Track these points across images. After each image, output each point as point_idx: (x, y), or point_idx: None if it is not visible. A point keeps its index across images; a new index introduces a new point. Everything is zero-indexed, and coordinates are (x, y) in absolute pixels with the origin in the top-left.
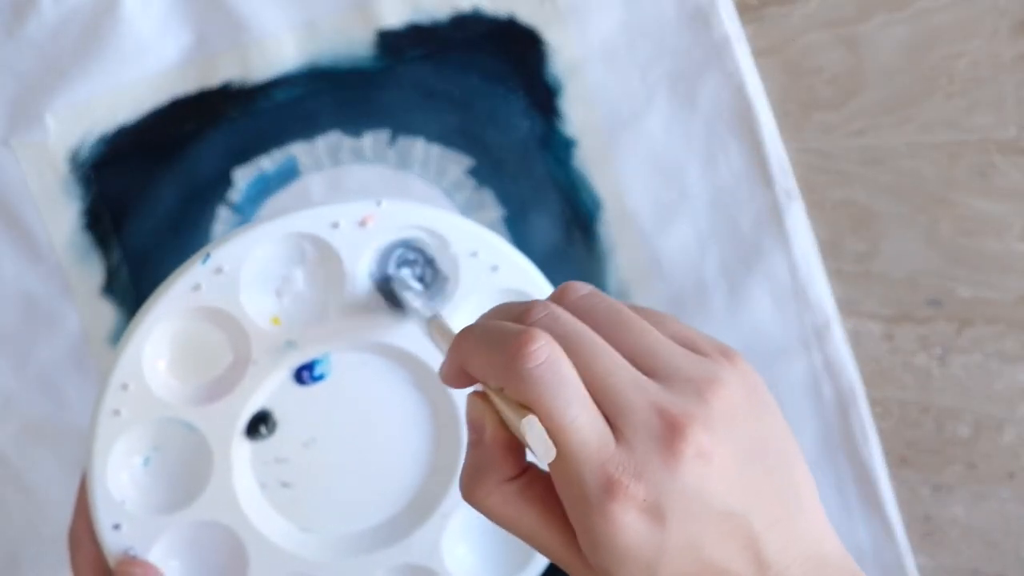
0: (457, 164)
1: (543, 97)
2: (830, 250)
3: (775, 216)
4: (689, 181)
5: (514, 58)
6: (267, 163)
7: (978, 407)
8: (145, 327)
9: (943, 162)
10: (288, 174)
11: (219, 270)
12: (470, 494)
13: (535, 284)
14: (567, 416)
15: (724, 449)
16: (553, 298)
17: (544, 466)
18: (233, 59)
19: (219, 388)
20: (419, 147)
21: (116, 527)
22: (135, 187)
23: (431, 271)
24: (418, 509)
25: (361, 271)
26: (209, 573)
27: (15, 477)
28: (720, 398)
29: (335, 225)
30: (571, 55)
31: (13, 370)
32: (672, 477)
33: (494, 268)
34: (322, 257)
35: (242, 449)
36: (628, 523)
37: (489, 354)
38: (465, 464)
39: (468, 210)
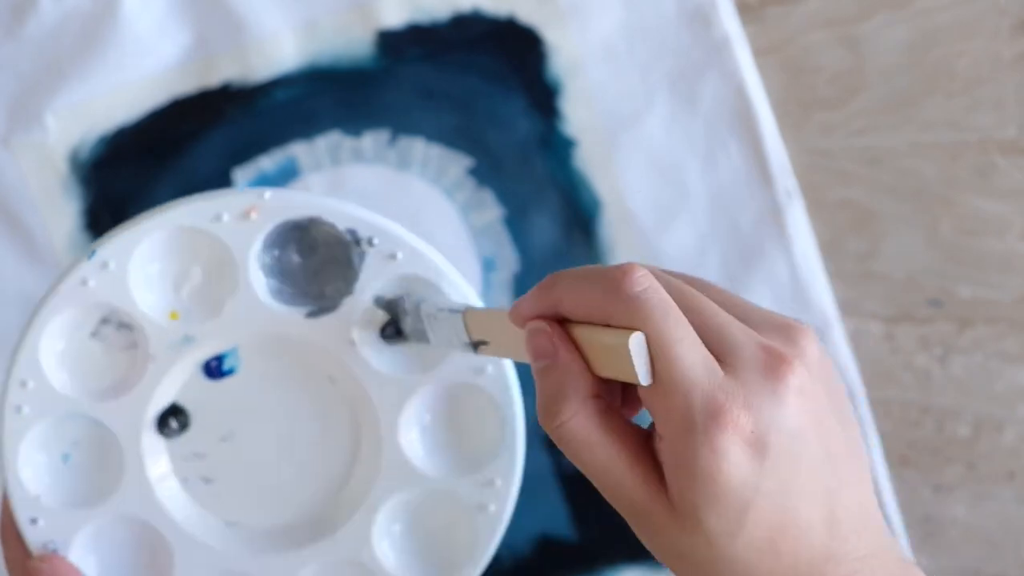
0: (457, 164)
1: (543, 97)
2: (830, 250)
3: (775, 216)
4: (689, 181)
5: (514, 58)
6: (267, 163)
7: (978, 407)
8: (38, 323)
9: (944, 162)
10: (288, 174)
11: (105, 265)
12: (553, 415)
13: (438, 271)
14: (676, 337)
15: (819, 394)
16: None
17: (643, 380)
18: (233, 59)
19: (122, 384)
20: (419, 147)
21: (33, 521)
22: (135, 187)
23: (326, 262)
24: (345, 502)
25: (252, 263)
26: (134, 568)
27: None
28: (809, 345)
29: (218, 217)
30: (571, 55)
31: None
32: (779, 410)
33: (392, 256)
34: (212, 250)
35: (155, 444)
36: (733, 454)
37: (589, 288)
38: (540, 392)
39: (468, 210)
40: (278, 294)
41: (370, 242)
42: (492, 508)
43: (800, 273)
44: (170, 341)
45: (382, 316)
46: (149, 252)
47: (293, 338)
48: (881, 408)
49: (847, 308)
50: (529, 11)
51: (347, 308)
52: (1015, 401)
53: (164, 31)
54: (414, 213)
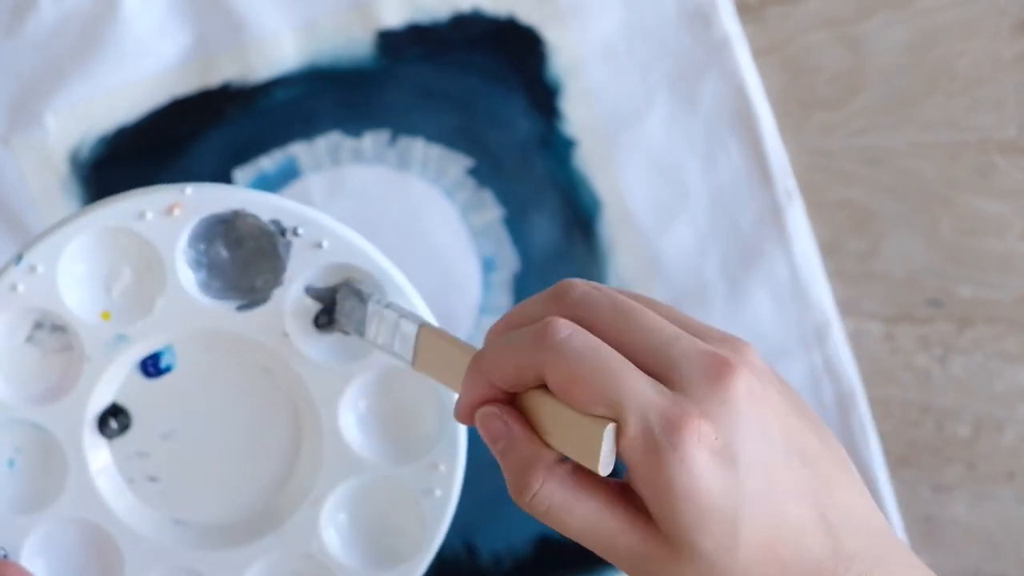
0: (457, 164)
1: (543, 97)
2: (830, 250)
3: (775, 216)
4: (689, 181)
5: (514, 58)
6: (267, 163)
7: (978, 407)
8: None
9: (944, 162)
10: (288, 174)
11: (33, 269)
12: (523, 488)
13: (365, 257)
14: (615, 375)
15: (771, 395)
16: (555, 295)
17: (603, 470)
18: (233, 59)
19: (59, 387)
20: (419, 147)
21: None
22: (135, 187)
23: (254, 254)
24: (290, 495)
25: (179, 259)
26: (84, 570)
27: None
28: (754, 355)
29: (142, 215)
30: (571, 55)
31: None
32: (736, 416)
33: (318, 244)
34: (139, 249)
35: (97, 445)
36: (704, 466)
37: (516, 353)
38: (506, 470)
39: (468, 210)
40: (208, 289)
41: (295, 232)
42: (438, 493)
43: (800, 273)
44: (104, 341)
45: (314, 306)
46: (77, 253)
47: (227, 332)
48: (881, 408)
49: (847, 308)
50: (529, 11)
51: (278, 299)
52: (1015, 401)
53: (164, 31)
54: (414, 213)
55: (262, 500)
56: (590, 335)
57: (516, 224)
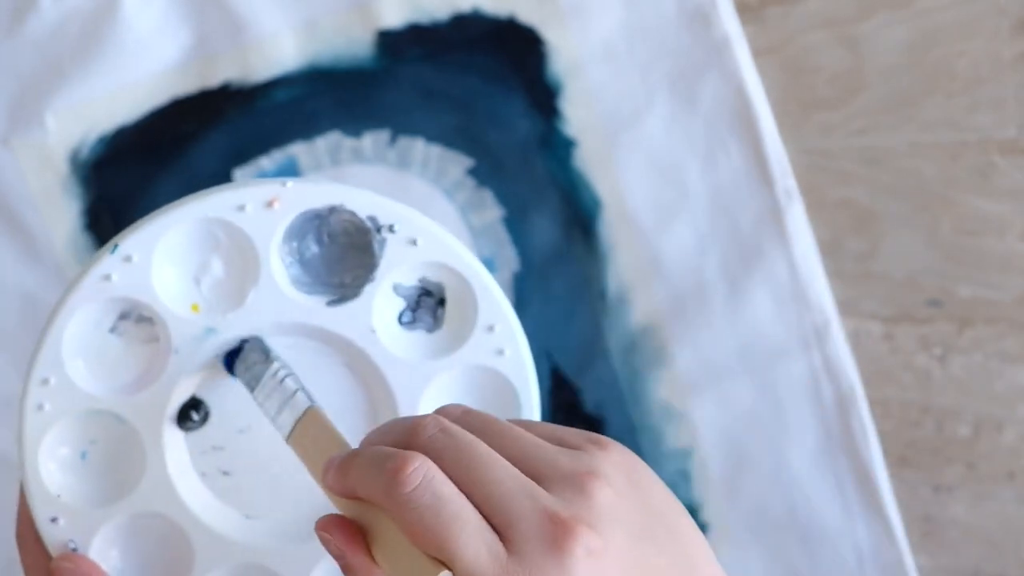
0: (457, 164)
1: (543, 97)
2: (830, 250)
3: (775, 216)
4: (689, 181)
5: (514, 58)
6: (267, 163)
7: (978, 407)
8: (59, 320)
9: (943, 162)
10: (288, 174)
11: (129, 259)
12: None
13: (456, 256)
14: (452, 536)
15: (613, 542)
16: (413, 429)
17: None
18: (233, 59)
19: (143, 378)
20: (419, 147)
21: (54, 520)
22: (135, 187)
23: (347, 250)
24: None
25: (274, 253)
26: (154, 564)
27: (17, 478)
28: (601, 490)
29: (241, 208)
30: (571, 55)
31: (14, 370)
32: None
33: (412, 242)
34: (234, 241)
35: (175, 438)
36: None
37: (373, 482)
38: None
39: (468, 210)
40: (299, 283)
41: (391, 229)
42: None
43: (800, 273)
44: (192, 334)
45: (400, 303)
46: (171, 245)
47: (314, 327)
48: (881, 408)
49: (847, 308)
50: (529, 11)
51: (368, 295)
52: (1015, 401)
53: (164, 31)
54: None
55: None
56: (440, 484)
57: (516, 224)
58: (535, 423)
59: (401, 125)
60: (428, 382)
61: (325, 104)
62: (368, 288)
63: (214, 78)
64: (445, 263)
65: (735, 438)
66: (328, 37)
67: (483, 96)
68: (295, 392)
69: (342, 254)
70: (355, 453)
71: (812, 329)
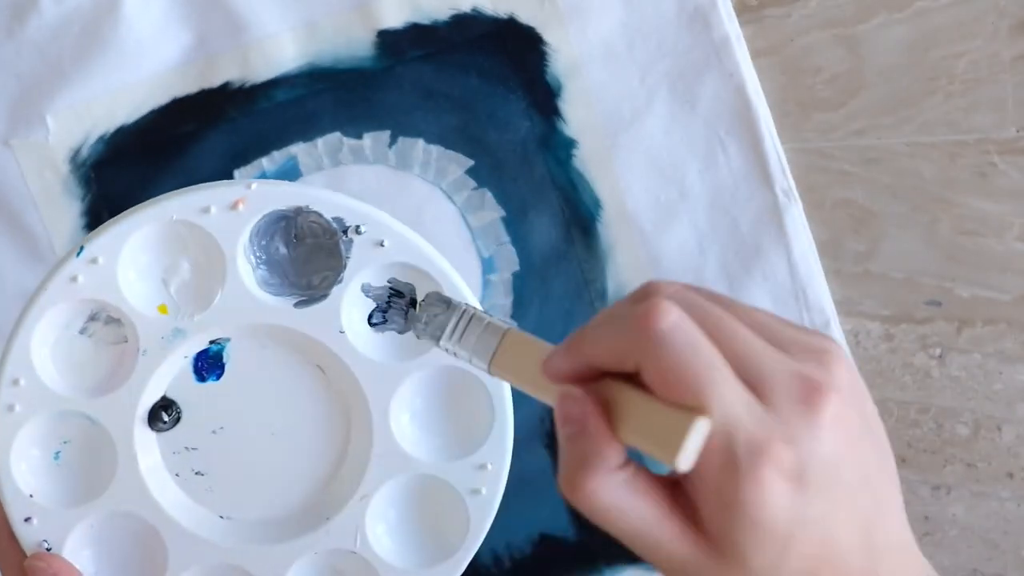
0: (457, 164)
1: (543, 97)
2: (830, 250)
3: (775, 216)
4: (689, 181)
5: (514, 58)
6: (267, 164)
7: (977, 407)
8: (28, 322)
9: (943, 162)
10: (288, 175)
11: (95, 260)
12: (578, 486)
13: (425, 258)
14: (711, 376)
15: (853, 419)
16: (651, 289)
17: (683, 467)
18: (233, 59)
19: (112, 379)
20: (419, 147)
21: (27, 520)
22: (135, 187)
23: (314, 251)
24: (336, 493)
25: (240, 254)
26: (128, 563)
27: None
28: (840, 368)
29: (206, 210)
30: (571, 55)
31: None
32: (817, 442)
33: (380, 243)
34: (200, 243)
35: (146, 438)
36: (776, 490)
37: (616, 335)
38: (564, 459)
39: (468, 210)
40: (266, 285)
41: (357, 230)
42: (484, 491)
43: (799, 273)
44: (160, 335)
45: (370, 304)
46: (138, 246)
47: (282, 329)
48: (880, 408)
49: (846, 308)
50: (529, 11)
51: (336, 297)
52: (1014, 401)
53: (165, 31)
54: (414, 214)
55: (309, 497)
56: (693, 328)
57: (516, 224)
58: (757, 313)
59: (401, 125)
60: (400, 382)
61: (325, 104)
62: (336, 290)
63: (214, 78)
64: (415, 265)
65: None
66: (328, 37)
67: (483, 96)
68: (487, 322)
69: (309, 255)
70: (584, 327)
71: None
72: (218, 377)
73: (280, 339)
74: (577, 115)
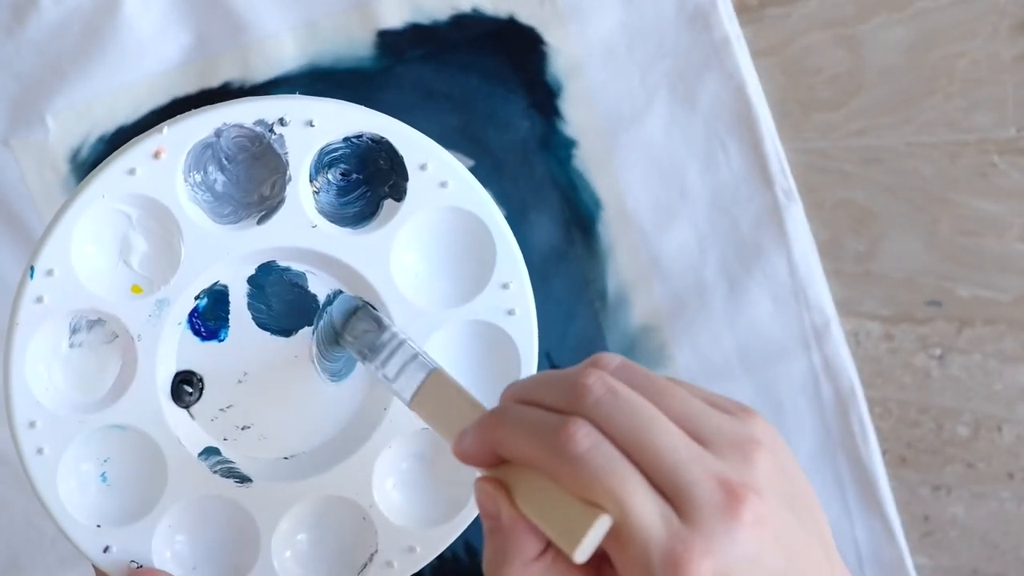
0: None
1: (543, 97)
2: (830, 250)
3: (775, 216)
4: (689, 181)
5: (514, 58)
6: None
7: (977, 407)
8: (14, 367)
9: (943, 162)
10: None
11: (51, 273)
12: (495, 574)
13: (484, 207)
14: (628, 492)
15: (774, 512)
16: (574, 387)
17: (580, 559)
18: (233, 59)
19: (121, 377)
20: None
21: (106, 551)
22: None
23: (251, 163)
24: (347, 440)
25: (184, 200)
26: (129, 478)
27: (15, 477)
28: (764, 458)
29: (132, 172)
30: (571, 55)
31: None
32: (736, 546)
33: (309, 123)
34: (142, 208)
35: (182, 419)
36: None
37: (533, 443)
38: (486, 550)
39: None
40: (221, 217)
41: (282, 122)
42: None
43: (799, 273)
44: (145, 314)
45: (324, 182)
46: (84, 240)
47: (259, 250)
48: (880, 408)
49: (846, 308)
50: (529, 11)
51: (294, 196)
52: (1014, 401)
53: (165, 31)
54: None
55: (318, 441)
56: (610, 450)
57: (516, 224)
58: (687, 384)
59: None
60: (433, 331)
61: None
62: (290, 189)
63: (215, 78)
64: (473, 213)
65: None
66: (328, 37)
67: (483, 96)
68: (415, 356)
69: (248, 170)
70: (502, 414)
71: (811, 329)
72: (219, 328)
73: (264, 261)
74: (577, 115)
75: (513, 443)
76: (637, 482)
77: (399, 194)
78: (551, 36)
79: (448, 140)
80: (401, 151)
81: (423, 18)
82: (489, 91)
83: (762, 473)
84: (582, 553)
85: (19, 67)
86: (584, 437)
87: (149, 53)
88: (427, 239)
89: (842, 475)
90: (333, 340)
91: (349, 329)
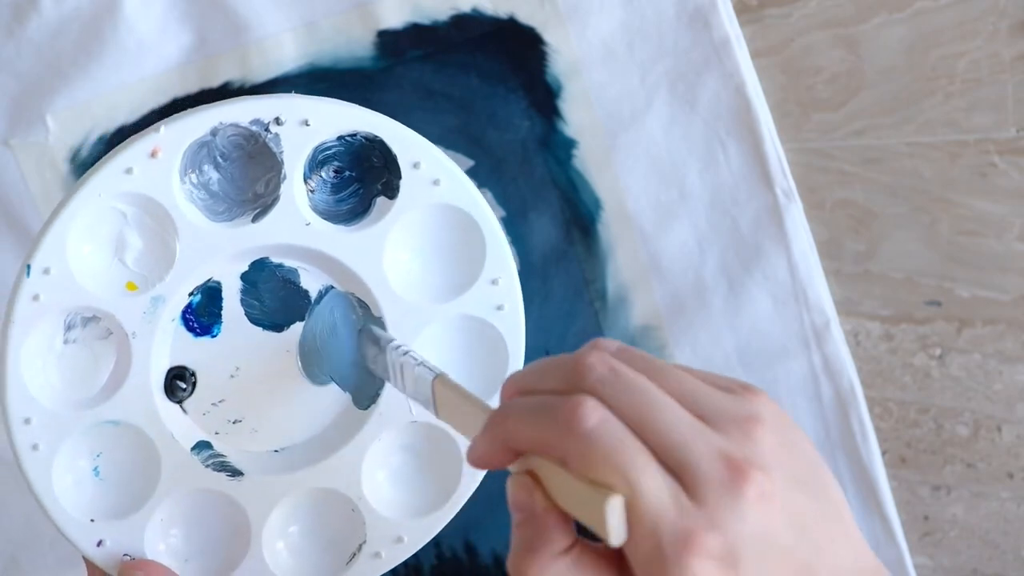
0: (457, 164)
1: (543, 97)
2: (830, 250)
3: (775, 216)
4: (689, 181)
5: (514, 58)
6: None
7: (977, 407)
8: (10, 365)
9: (943, 162)
10: None
11: (47, 271)
12: (524, 571)
13: (476, 205)
14: (636, 470)
15: (779, 486)
16: (576, 368)
17: (614, 541)
18: (233, 60)
19: (115, 373)
20: None
21: (99, 544)
22: None
23: (246, 161)
24: (337, 433)
25: (179, 198)
26: (123, 472)
27: (15, 477)
28: (765, 434)
29: (128, 172)
30: (571, 55)
31: None
32: (742, 523)
33: (304, 123)
34: (138, 206)
35: (175, 414)
36: (707, 574)
37: (541, 426)
38: (514, 542)
39: None
40: (216, 215)
41: (277, 121)
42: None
43: (799, 273)
44: (141, 311)
45: (318, 180)
46: (80, 238)
47: (253, 248)
48: (880, 408)
49: (846, 308)
50: (529, 12)
51: (288, 194)
52: (1014, 401)
53: (165, 32)
54: None
55: (309, 434)
56: (617, 426)
57: (516, 224)
58: (685, 366)
59: None
60: (423, 327)
61: None
62: (284, 187)
63: (215, 79)
64: (465, 211)
65: None
66: (328, 37)
67: (483, 96)
68: (415, 366)
69: (243, 169)
70: (506, 409)
71: (811, 329)
72: (212, 324)
73: (257, 258)
74: (577, 115)
75: (522, 430)
76: (646, 459)
77: (392, 192)
78: (551, 36)
79: (448, 140)
80: (394, 149)
81: (423, 18)
82: (489, 91)
83: (765, 449)
84: (617, 537)
85: (19, 67)
86: (591, 410)
87: (149, 53)
88: (419, 236)
89: (842, 475)
90: (315, 361)
91: (363, 357)
